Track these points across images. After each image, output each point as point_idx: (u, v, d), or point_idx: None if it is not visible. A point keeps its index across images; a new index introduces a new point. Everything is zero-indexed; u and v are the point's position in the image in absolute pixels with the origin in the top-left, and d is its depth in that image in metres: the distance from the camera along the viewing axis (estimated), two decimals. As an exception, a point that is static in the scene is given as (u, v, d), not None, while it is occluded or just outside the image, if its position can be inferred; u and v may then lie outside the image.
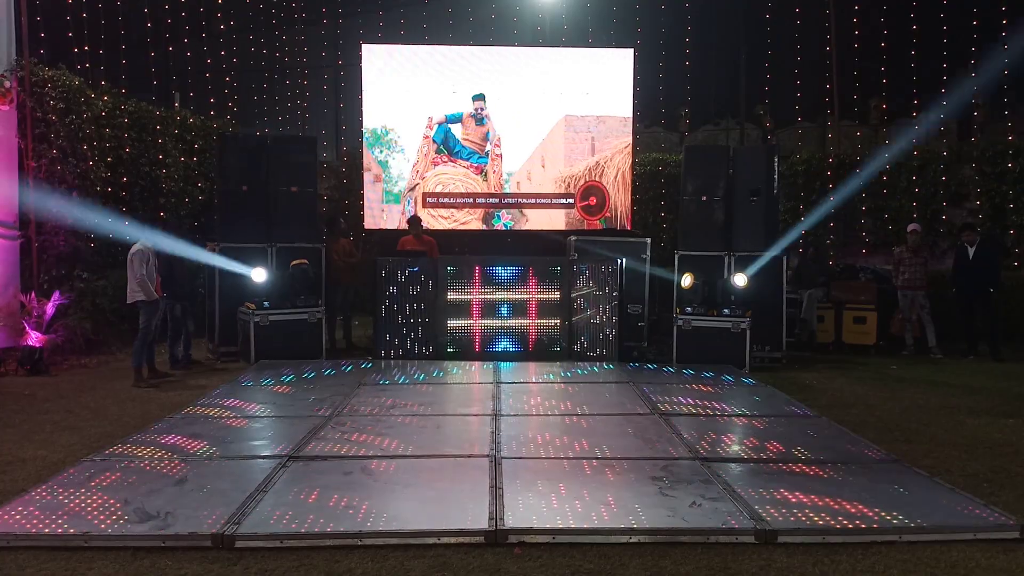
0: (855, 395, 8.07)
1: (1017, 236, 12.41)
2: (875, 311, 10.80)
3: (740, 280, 9.48)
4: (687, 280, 9.59)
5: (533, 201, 12.58)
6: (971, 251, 10.34)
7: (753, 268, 9.65)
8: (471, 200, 12.54)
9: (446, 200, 12.51)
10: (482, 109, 12.33)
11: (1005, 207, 12.57)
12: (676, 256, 10.27)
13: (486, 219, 12.51)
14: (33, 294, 9.17)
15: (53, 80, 9.94)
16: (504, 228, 12.49)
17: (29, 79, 9.55)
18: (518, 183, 12.52)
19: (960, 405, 7.55)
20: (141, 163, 11.69)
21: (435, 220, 12.35)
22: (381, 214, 12.38)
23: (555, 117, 12.48)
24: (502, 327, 9.65)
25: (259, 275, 9.59)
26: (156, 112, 12.24)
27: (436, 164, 12.39)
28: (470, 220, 12.48)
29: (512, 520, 4.27)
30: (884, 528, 4.26)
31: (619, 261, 9.60)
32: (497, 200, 12.55)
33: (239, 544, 4.07)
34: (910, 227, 11.04)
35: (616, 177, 12.56)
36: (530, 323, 9.67)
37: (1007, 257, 12.05)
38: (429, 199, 12.46)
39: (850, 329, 10.89)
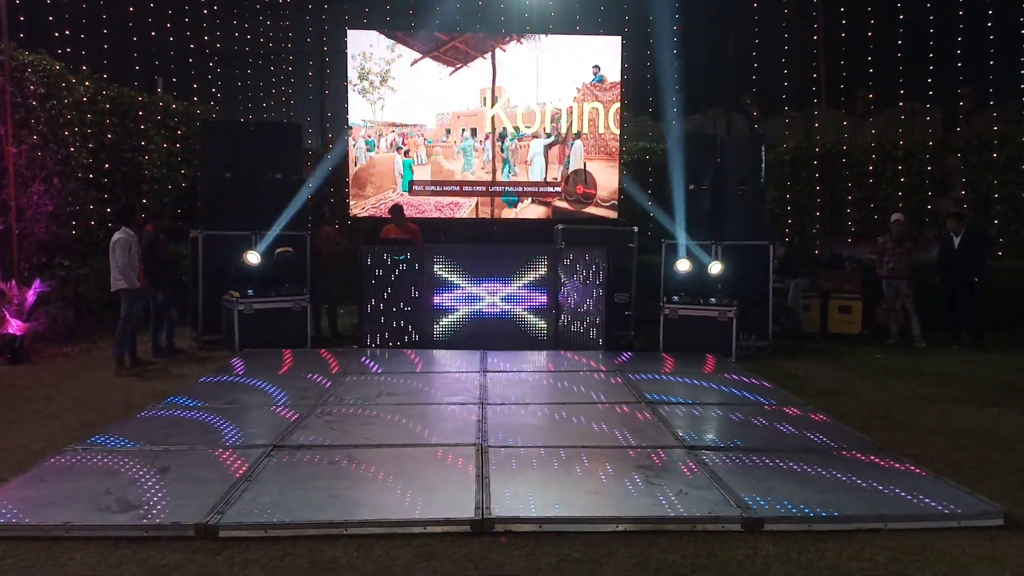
0: (840, 384, 8.10)
1: (1002, 226, 12.48)
2: (860, 300, 10.85)
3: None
4: (685, 265, 9.58)
5: (520, 189, 12.53)
6: (956, 240, 10.38)
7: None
8: (458, 188, 12.48)
9: (433, 188, 12.45)
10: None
11: (990, 197, 12.63)
12: (663, 245, 10.26)
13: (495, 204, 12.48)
14: (14, 282, 9.04)
15: (33, 65, 9.78)
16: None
17: (8, 64, 9.39)
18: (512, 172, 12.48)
19: (944, 394, 7.59)
20: (123, 149, 11.56)
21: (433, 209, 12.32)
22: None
23: (544, 103, 12.43)
24: (488, 316, 9.61)
25: (253, 257, 9.47)
26: (139, 97, 12.10)
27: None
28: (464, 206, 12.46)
29: (498, 509, 4.26)
30: (870, 516, 4.28)
31: (606, 250, 9.59)
32: (484, 188, 12.50)
33: (223, 534, 4.03)
34: (893, 217, 11.08)
35: (603, 165, 12.54)
36: (517, 312, 9.64)
37: (991, 247, 12.12)
38: (416, 187, 12.39)
39: (835, 318, 10.94)
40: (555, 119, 12.41)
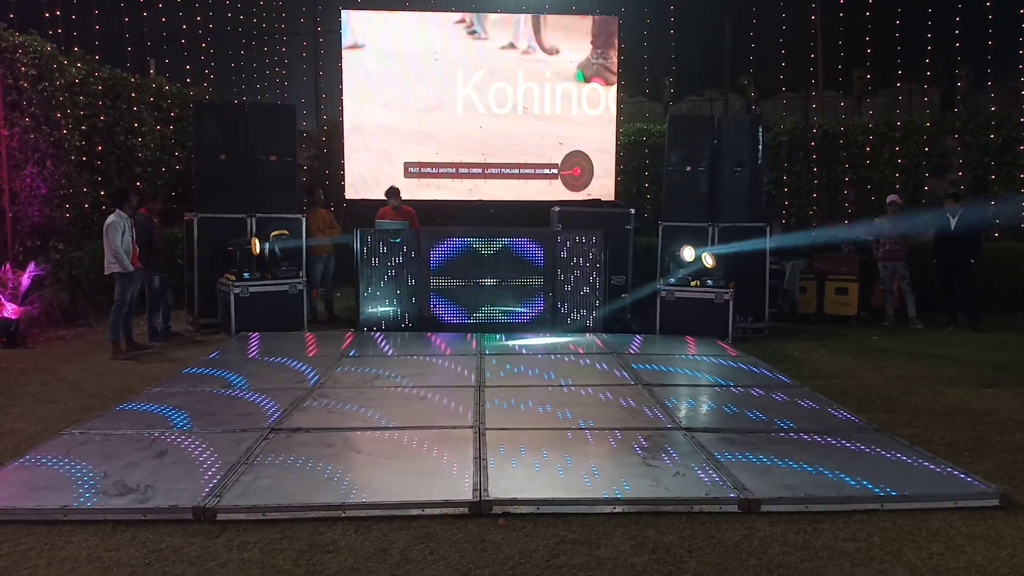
0: (837, 365, 8.12)
1: (998, 207, 12.47)
2: (857, 282, 10.85)
3: (708, 260, 9.38)
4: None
5: (517, 171, 12.48)
6: (953, 221, 10.37)
7: (727, 248, 9.60)
8: (454, 170, 12.43)
9: (428, 170, 12.39)
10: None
11: (987, 178, 12.62)
12: (660, 227, 10.24)
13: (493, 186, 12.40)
14: (8, 265, 9.01)
15: (24, 46, 9.68)
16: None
17: (-1, 45, 9.30)
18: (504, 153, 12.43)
19: (940, 375, 7.61)
20: (116, 131, 11.46)
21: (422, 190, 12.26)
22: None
23: (538, 87, 12.35)
24: (486, 298, 9.59)
25: (256, 247, 9.42)
26: (131, 79, 11.98)
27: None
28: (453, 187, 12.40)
29: (496, 491, 4.26)
30: (866, 497, 4.29)
31: (603, 232, 9.57)
32: (480, 171, 12.45)
33: (221, 517, 4.03)
34: (889, 198, 11.07)
35: (600, 147, 12.49)
36: (514, 294, 9.61)
37: (988, 228, 12.12)
38: (411, 168, 12.33)
39: (832, 300, 10.95)
40: (528, 98, 12.32)
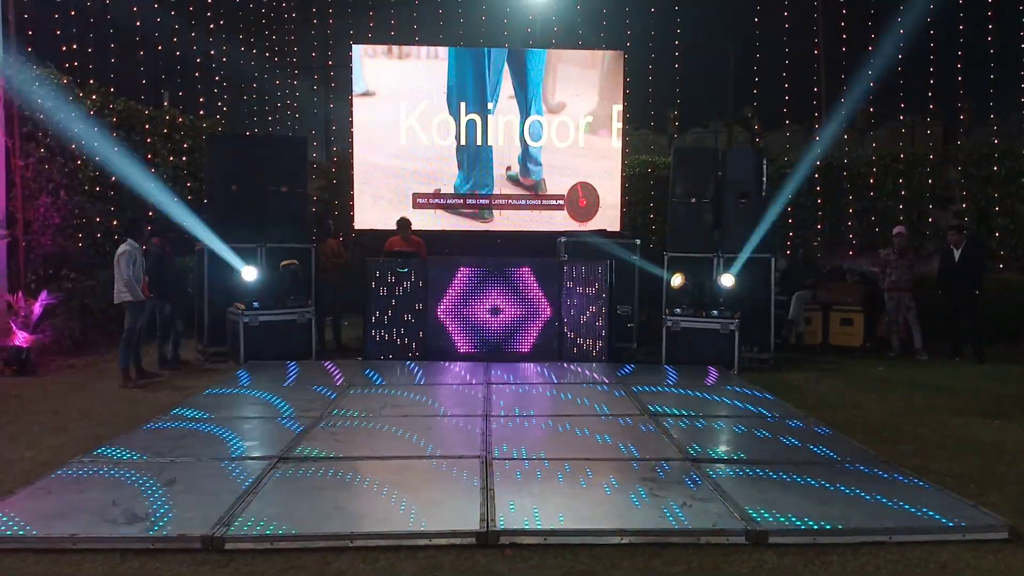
0: (842, 396, 8.11)
1: (1002, 238, 12.50)
2: (862, 313, 10.86)
3: (727, 280, 9.52)
4: (677, 280, 9.62)
5: (523, 203, 12.58)
6: (956, 253, 10.40)
7: (736, 267, 9.68)
8: (461, 201, 12.54)
9: (437, 201, 12.50)
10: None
11: (990, 209, 12.66)
12: (665, 257, 10.29)
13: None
14: (20, 294, 9.09)
15: (42, 78, 9.85)
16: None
17: (16, 77, 9.46)
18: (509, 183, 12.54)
19: (946, 406, 7.60)
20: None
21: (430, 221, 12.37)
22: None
23: (545, 116, 12.50)
24: (492, 328, 9.64)
25: (249, 273, 9.53)
26: (145, 111, 12.16)
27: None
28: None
29: (503, 521, 4.28)
30: (873, 529, 4.29)
31: (608, 262, 9.64)
32: (487, 201, 12.55)
33: (229, 546, 4.05)
34: (896, 230, 11.10)
35: (606, 179, 12.59)
36: (520, 324, 9.66)
37: (992, 259, 12.13)
38: (419, 199, 12.45)
39: (837, 330, 10.94)
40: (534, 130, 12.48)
